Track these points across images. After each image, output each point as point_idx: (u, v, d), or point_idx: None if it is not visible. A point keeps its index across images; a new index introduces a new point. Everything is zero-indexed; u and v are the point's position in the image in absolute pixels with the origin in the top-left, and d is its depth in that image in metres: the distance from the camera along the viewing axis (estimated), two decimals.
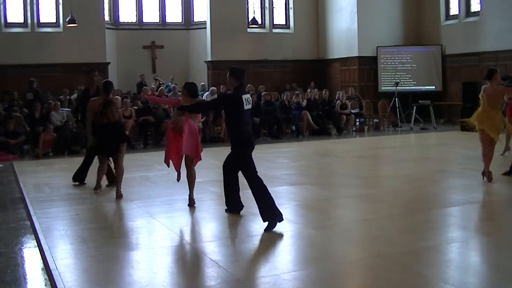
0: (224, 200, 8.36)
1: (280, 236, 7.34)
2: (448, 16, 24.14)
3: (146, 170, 12.12)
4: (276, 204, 7.73)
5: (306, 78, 24.96)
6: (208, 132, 18.67)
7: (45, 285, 5.71)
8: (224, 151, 8.73)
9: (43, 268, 6.21)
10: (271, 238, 7.25)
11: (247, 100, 7.96)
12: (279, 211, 7.60)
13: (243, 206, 8.31)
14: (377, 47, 24.40)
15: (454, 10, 23.89)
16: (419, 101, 21.95)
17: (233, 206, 8.30)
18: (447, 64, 24.01)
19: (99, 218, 8.65)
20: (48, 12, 22.85)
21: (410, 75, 24.42)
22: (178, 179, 8.99)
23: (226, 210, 8.36)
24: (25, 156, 16.50)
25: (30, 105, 18.02)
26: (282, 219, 7.57)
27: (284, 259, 6.39)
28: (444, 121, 23.25)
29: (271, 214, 7.55)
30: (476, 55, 22.14)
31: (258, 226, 7.83)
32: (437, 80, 24.22)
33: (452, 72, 23.74)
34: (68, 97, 19.84)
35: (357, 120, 21.97)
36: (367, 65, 24.69)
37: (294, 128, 20.58)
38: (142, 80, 23.15)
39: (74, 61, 21.80)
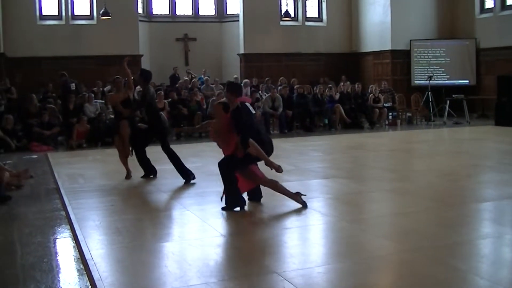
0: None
1: (313, 229, 7.36)
2: (482, 9, 23.88)
3: None
4: (310, 197, 7.84)
5: (339, 71, 24.86)
6: None
7: (81, 274, 5.77)
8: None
9: (78, 258, 6.27)
10: (304, 231, 7.27)
11: (250, 107, 8.35)
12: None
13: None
14: (410, 40, 24.24)
15: (489, 3, 23.62)
16: (453, 95, 21.73)
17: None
18: (481, 57, 23.77)
19: (133, 209, 8.69)
20: (82, 5, 23.06)
21: (443, 69, 24.24)
22: None
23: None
24: (59, 147, 16.71)
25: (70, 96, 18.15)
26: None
27: (318, 251, 6.39)
28: (477, 116, 23.04)
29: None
30: (511, 49, 21.88)
31: (291, 218, 7.85)
32: (471, 74, 24.00)
33: (487, 66, 23.51)
34: (101, 89, 20.01)
35: (390, 113, 21.84)
36: (400, 59, 24.54)
37: (326, 121, 20.55)
38: (175, 73, 23.26)
39: (107, 53, 21.97)
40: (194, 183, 10.27)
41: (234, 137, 8.11)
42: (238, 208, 8.12)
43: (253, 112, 8.36)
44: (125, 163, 10.86)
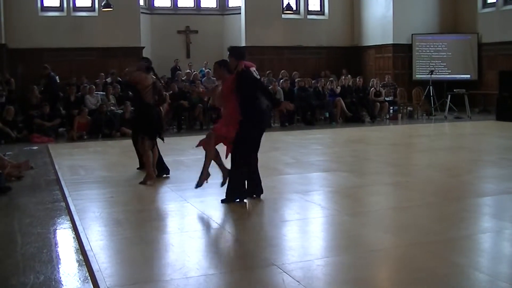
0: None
1: (313, 222, 7.36)
2: (485, 4, 23.85)
3: (179, 154, 12.18)
4: (310, 190, 7.85)
5: (340, 65, 24.87)
6: None
7: (80, 265, 5.78)
8: None
9: (78, 249, 6.28)
10: (304, 224, 7.28)
11: (256, 73, 8.28)
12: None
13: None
14: (412, 34, 24.21)
15: None
16: (454, 90, 21.71)
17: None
18: (483, 52, 23.76)
19: (133, 201, 8.70)
20: None
21: (445, 63, 24.23)
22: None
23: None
24: (60, 139, 16.73)
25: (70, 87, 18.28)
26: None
27: (318, 244, 6.39)
28: (479, 111, 23.03)
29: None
30: None
31: (291, 211, 7.86)
32: (473, 69, 23.99)
33: (488, 60, 23.50)
34: (104, 80, 19.99)
35: (391, 107, 21.84)
36: (402, 53, 24.53)
37: (327, 114, 20.54)
38: (176, 65, 23.22)
39: (109, 45, 21.96)
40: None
41: (234, 101, 8.11)
42: (238, 200, 8.10)
43: (258, 77, 8.26)
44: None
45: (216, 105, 8.74)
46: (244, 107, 7.94)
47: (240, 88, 7.94)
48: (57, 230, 7.24)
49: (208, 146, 8.32)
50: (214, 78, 21.21)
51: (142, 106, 9.79)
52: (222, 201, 8.07)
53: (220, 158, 8.48)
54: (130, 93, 16.94)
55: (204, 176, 8.44)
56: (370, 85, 21.73)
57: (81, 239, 6.40)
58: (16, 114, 16.66)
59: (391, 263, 5.88)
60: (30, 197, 8.97)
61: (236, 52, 8.22)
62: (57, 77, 19.50)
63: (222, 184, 8.48)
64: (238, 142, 7.95)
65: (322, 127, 19.14)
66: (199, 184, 8.44)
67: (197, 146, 8.46)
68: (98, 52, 22.32)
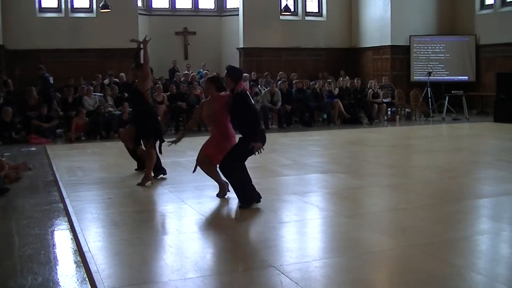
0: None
1: (311, 223, 7.36)
2: (483, 6, 23.89)
3: (177, 155, 12.15)
4: (308, 191, 7.81)
5: (338, 66, 24.87)
6: None
7: (78, 266, 5.77)
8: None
9: (76, 250, 6.27)
10: (302, 225, 7.28)
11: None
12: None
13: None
14: (410, 36, 24.24)
15: None
16: (452, 91, 21.74)
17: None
18: (481, 54, 23.79)
19: (131, 202, 8.68)
20: None
21: (443, 65, 24.25)
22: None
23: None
24: (58, 140, 16.72)
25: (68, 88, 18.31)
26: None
27: (315, 246, 6.38)
28: (477, 112, 23.06)
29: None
30: (511, 46, 21.88)
31: (289, 213, 7.86)
32: (471, 71, 24.01)
33: (486, 62, 23.53)
34: (101, 81, 19.97)
35: (389, 109, 21.86)
36: (400, 54, 24.55)
37: (325, 116, 20.55)
38: (174, 66, 23.22)
39: (107, 47, 21.94)
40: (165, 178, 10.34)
41: (226, 121, 8.16)
42: (255, 203, 8.00)
43: (253, 102, 8.30)
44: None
45: (205, 122, 8.75)
46: (243, 125, 7.94)
47: (239, 108, 7.91)
48: (55, 232, 7.23)
49: (204, 169, 8.51)
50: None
51: (144, 107, 9.82)
52: (240, 207, 7.94)
53: (216, 172, 8.49)
54: (126, 94, 17.02)
55: (222, 187, 8.55)
56: (368, 86, 21.76)
57: (79, 241, 6.40)
58: (14, 115, 16.64)
59: (389, 264, 5.88)
60: (28, 199, 8.95)
61: (233, 73, 8.08)
62: (51, 77, 19.50)
63: (218, 195, 8.55)
64: (237, 153, 7.92)
65: (320, 128, 19.15)
66: (221, 195, 8.56)
67: (193, 171, 8.67)
68: (96, 53, 22.30)
